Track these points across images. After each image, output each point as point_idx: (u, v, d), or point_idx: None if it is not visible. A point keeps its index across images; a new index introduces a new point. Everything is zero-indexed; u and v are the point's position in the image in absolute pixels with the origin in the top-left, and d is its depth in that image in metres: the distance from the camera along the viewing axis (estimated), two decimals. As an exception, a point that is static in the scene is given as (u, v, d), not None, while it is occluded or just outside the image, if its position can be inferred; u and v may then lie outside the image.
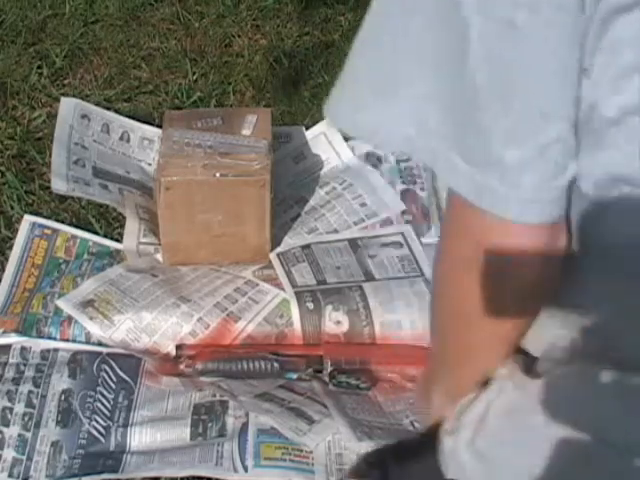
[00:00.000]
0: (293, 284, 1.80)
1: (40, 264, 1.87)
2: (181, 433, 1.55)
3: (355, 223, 1.98)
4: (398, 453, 1.09)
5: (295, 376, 1.69)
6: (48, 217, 1.97)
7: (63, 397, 1.60)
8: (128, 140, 2.13)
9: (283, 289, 1.79)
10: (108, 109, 2.21)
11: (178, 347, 1.70)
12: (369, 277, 1.83)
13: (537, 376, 0.86)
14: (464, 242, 0.79)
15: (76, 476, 1.48)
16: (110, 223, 1.96)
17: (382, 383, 1.70)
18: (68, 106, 2.09)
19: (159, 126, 2.05)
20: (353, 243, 1.92)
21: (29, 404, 1.58)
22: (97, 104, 2.22)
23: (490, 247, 0.76)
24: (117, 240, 1.92)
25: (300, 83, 2.43)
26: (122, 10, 2.65)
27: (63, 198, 1.99)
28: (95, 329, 1.69)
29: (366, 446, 1.51)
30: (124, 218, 1.95)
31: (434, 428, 0.96)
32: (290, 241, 1.92)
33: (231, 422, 1.57)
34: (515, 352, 0.89)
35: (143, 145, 2.14)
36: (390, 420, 1.61)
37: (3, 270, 1.85)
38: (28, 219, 1.93)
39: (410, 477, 1.01)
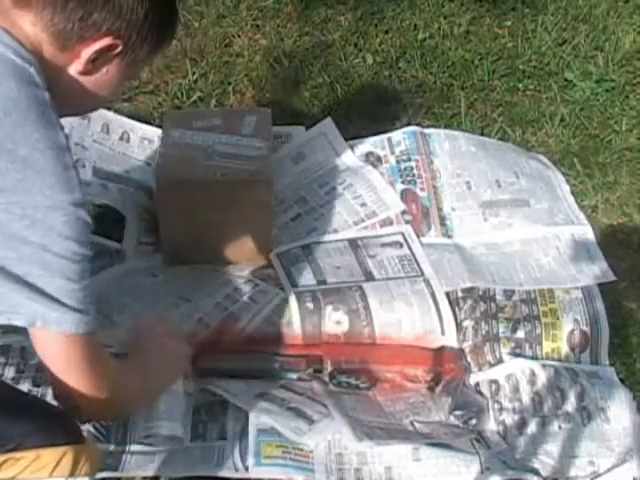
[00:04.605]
0: (293, 284, 1.80)
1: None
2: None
3: (355, 223, 1.97)
4: None
5: (295, 376, 1.69)
6: (48, 217, 1.96)
7: (63, 397, 1.59)
8: (128, 140, 2.13)
9: (283, 289, 1.79)
10: (108, 109, 2.21)
11: (178, 347, 1.70)
12: (369, 277, 1.83)
13: None
14: None
15: (76, 476, 1.47)
16: (110, 223, 1.96)
17: (382, 383, 1.70)
18: (68, 106, 2.09)
19: (159, 126, 2.05)
20: (353, 243, 1.92)
21: (29, 404, 1.58)
22: (97, 104, 2.21)
23: None
24: (117, 240, 1.92)
25: (300, 83, 2.43)
26: (122, 10, 2.65)
27: (63, 198, 1.98)
28: (95, 329, 1.69)
29: (366, 446, 1.52)
30: (124, 218, 1.95)
31: None
32: (290, 241, 1.92)
33: (231, 422, 1.56)
34: None
35: (143, 145, 2.14)
36: (390, 420, 1.61)
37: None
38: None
39: None
